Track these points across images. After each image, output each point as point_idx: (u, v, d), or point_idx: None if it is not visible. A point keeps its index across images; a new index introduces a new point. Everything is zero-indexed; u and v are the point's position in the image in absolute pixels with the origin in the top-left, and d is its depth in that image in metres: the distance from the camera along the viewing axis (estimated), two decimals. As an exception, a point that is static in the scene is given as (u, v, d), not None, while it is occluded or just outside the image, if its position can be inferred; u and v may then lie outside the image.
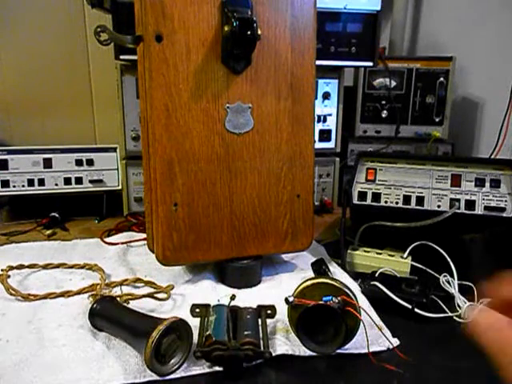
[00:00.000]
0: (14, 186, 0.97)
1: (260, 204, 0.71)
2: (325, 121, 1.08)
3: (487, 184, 0.75)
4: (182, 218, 0.66)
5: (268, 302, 0.59)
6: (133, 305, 0.61)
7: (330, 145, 1.10)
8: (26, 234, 0.92)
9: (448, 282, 0.67)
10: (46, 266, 0.74)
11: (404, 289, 0.64)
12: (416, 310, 0.60)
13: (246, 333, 0.52)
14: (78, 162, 0.99)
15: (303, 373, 0.50)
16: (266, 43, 0.68)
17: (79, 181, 1.00)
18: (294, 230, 0.74)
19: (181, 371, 0.49)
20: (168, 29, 0.62)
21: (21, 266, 0.73)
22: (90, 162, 1.00)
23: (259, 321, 0.56)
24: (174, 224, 0.66)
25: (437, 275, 0.70)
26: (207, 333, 0.51)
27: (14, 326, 0.57)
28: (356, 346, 0.53)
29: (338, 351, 0.52)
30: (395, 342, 0.55)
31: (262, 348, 0.51)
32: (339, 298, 0.50)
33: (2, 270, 0.70)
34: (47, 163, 0.98)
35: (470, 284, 0.66)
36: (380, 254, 0.77)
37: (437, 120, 1.18)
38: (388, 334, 0.55)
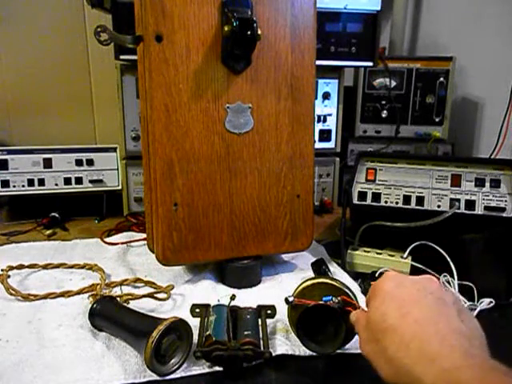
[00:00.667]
0: (14, 186, 0.97)
1: (260, 204, 0.71)
2: (325, 121, 1.08)
3: (487, 184, 0.75)
4: (181, 218, 0.66)
5: (268, 302, 0.59)
6: (133, 305, 0.61)
7: (330, 145, 1.11)
8: (26, 234, 0.92)
9: (448, 282, 0.67)
10: (46, 266, 0.74)
11: (404, 289, 0.64)
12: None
13: (245, 333, 0.52)
14: (78, 162, 0.99)
15: (303, 373, 0.50)
16: (266, 43, 0.68)
17: (79, 181, 1.00)
18: (293, 230, 0.74)
19: (181, 371, 0.49)
20: (168, 29, 0.62)
21: (21, 266, 0.73)
22: (90, 162, 1.00)
23: (259, 321, 0.56)
24: (173, 224, 0.66)
25: (437, 275, 0.69)
26: (207, 333, 0.51)
27: (14, 325, 0.57)
28: (356, 346, 0.53)
29: (338, 351, 0.52)
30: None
31: (261, 348, 0.51)
32: (339, 298, 0.50)
33: (2, 270, 0.70)
34: (47, 163, 0.98)
35: (470, 284, 0.66)
36: (380, 253, 0.77)
37: (437, 120, 1.18)
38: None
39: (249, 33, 0.63)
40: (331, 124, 1.09)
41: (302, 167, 0.73)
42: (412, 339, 0.35)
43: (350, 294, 0.52)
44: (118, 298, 0.61)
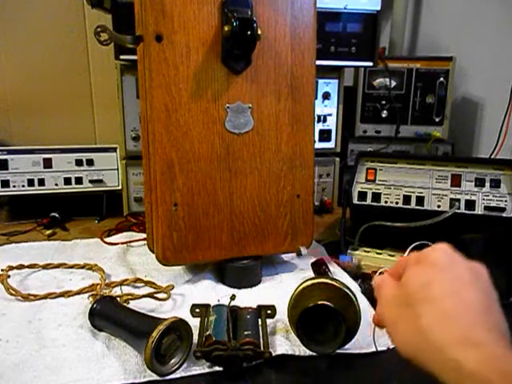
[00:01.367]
0: (14, 186, 0.97)
1: (260, 204, 0.71)
2: (325, 121, 1.08)
3: (487, 184, 0.75)
4: (181, 218, 0.66)
5: (268, 301, 0.59)
6: (133, 305, 0.61)
7: (330, 145, 1.11)
8: (26, 234, 0.92)
9: (448, 282, 0.67)
10: (45, 266, 0.74)
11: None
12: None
13: (245, 333, 0.52)
14: (78, 162, 0.99)
15: (303, 373, 0.50)
16: (266, 43, 0.68)
17: (79, 181, 1.00)
18: (293, 230, 0.74)
19: (181, 371, 0.49)
20: (168, 29, 0.62)
21: (21, 266, 0.73)
22: (90, 162, 1.00)
23: (259, 321, 0.56)
24: (173, 224, 0.66)
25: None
26: (207, 333, 0.51)
27: (14, 326, 0.57)
28: (356, 346, 0.53)
29: (338, 351, 0.52)
30: (395, 342, 0.55)
31: (261, 348, 0.51)
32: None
33: (2, 270, 0.70)
34: (47, 163, 0.98)
35: (470, 284, 0.66)
36: (380, 253, 0.77)
37: (437, 120, 1.18)
38: (388, 333, 0.55)
39: (249, 33, 0.63)
40: (331, 124, 1.09)
41: (301, 167, 0.73)
42: (458, 318, 0.33)
43: (350, 293, 0.52)
44: (118, 298, 0.61)
